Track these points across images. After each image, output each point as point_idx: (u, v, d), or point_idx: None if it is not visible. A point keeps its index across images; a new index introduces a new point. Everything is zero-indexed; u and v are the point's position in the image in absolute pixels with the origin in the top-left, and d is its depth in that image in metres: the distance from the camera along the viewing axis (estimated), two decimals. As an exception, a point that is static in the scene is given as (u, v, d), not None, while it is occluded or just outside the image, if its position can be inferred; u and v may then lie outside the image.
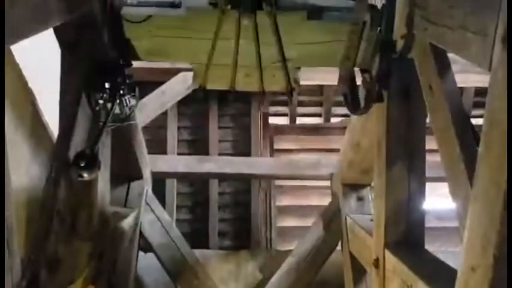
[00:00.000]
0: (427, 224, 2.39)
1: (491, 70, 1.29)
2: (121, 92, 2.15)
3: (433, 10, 1.77)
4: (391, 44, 2.10)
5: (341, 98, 2.78)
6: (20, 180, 2.18)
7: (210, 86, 2.56)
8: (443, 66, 1.74)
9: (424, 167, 2.28)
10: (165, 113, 4.70)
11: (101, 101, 2.11)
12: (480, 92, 5.13)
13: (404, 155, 2.31)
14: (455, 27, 1.56)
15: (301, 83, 5.04)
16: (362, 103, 2.39)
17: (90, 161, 1.94)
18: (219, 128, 5.07)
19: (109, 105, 2.14)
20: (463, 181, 1.50)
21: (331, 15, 2.60)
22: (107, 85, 2.11)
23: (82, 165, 1.91)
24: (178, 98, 4.51)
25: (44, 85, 2.52)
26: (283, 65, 2.49)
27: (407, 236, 2.33)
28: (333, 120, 5.60)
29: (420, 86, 1.96)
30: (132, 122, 2.50)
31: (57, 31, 2.15)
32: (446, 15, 1.66)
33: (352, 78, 2.55)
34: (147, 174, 3.55)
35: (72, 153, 1.93)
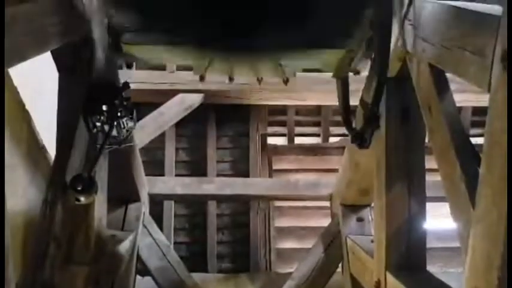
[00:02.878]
0: (427, 245, 2.37)
1: (491, 90, 1.28)
2: (119, 114, 2.14)
3: (430, 30, 1.78)
4: (386, 68, 2.11)
5: (339, 118, 2.79)
6: (16, 203, 2.16)
7: (209, 76, 2.64)
8: (441, 87, 1.74)
9: (424, 187, 2.26)
10: (162, 134, 4.70)
11: (98, 124, 2.10)
12: (478, 111, 5.15)
13: (403, 175, 2.30)
14: (453, 48, 1.57)
15: (299, 103, 5.07)
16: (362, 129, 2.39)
17: (87, 184, 1.91)
18: (217, 148, 5.06)
19: (106, 127, 2.13)
20: (464, 202, 1.49)
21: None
22: (104, 107, 2.09)
23: (79, 189, 1.88)
24: (176, 119, 4.52)
25: (41, 107, 2.51)
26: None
27: (408, 257, 2.30)
28: (331, 140, 5.61)
29: (419, 106, 1.96)
30: (129, 144, 2.48)
31: (54, 54, 2.15)
32: (444, 35, 1.66)
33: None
34: (144, 196, 3.52)
35: (69, 177, 1.91)
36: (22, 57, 1.55)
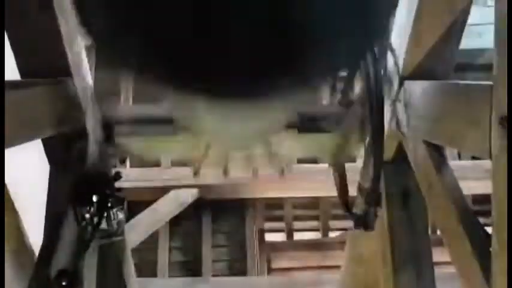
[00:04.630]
0: None
1: (492, 157, 1.24)
2: (109, 204, 2.06)
3: (422, 109, 1.79)
4: (382, 151, 2.09)
5: (338, 211, 2.70)
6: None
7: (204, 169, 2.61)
8: (440, 162, 1.70)
9: (433, 271, 2.13)
10: (156, 233, 4.56)
11: (87, 215, 2.01)
12: (478, 199, 5.07)
13: (410, 261, 2.17)
14: (447, 121, 1.56)
15: (296, 195, 5.00)
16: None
17: (73, 279, 1.78)
18: (213, 247, 4.89)
19: (96, 219, 2.03)
20: (479, 281, 1.37)
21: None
22: (94, 198, 2.02)
23: (64, 284, 1.74)
24: (170, 217, 4.41)
25: (29, 203, 2.43)
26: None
27: None
28: (331, 234, 5.46)
29: (418, 186, 1.91)
30: (120, 239, 2.37)
31: (46, 146, 2.13)
32: (436, 111, 1.66)
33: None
34: (136, 298, 3.29)
35: (53, 271, 1.78)
36: (11, 143, 1.52)
